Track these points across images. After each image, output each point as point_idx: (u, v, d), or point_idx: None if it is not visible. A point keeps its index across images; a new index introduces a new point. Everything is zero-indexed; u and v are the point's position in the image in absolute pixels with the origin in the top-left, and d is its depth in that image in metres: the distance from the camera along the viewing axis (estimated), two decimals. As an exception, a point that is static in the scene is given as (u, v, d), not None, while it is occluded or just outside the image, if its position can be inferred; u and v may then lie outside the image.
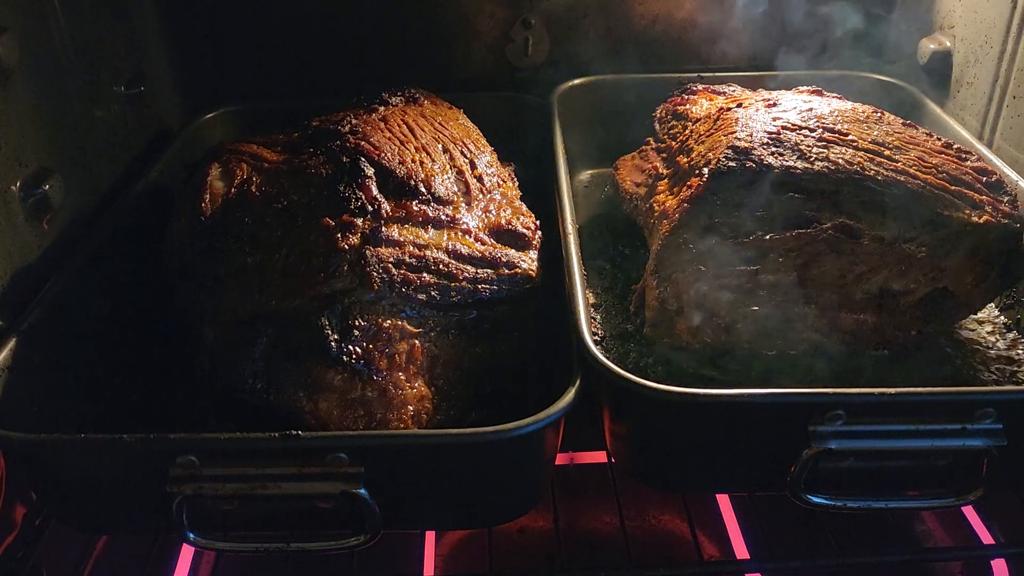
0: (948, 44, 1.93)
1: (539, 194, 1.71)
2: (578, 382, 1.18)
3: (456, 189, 1.48)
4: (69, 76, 1.60)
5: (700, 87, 1.86)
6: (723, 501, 1.55)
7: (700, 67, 2.14)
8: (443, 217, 1.42)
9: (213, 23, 2.06)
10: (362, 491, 1.12)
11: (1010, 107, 1.73)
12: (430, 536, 1.52)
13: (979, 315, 1.55)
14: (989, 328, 1.53)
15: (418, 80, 1.87)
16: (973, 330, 1.53)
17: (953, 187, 1.40)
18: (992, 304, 1.56)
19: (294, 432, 1.11)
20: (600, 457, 1.64)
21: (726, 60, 2.17)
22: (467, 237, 1.42)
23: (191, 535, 1.16)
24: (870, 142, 1.45)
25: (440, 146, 1.56)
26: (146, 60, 1.95)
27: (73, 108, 1.62)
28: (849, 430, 1.15)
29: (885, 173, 1.39)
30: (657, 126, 1.85)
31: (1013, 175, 1.59)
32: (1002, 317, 1.55)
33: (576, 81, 2.07)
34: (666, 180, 1.65)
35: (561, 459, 1.50)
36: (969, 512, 1.55)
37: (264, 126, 1.81)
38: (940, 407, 1.16)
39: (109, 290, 1.51)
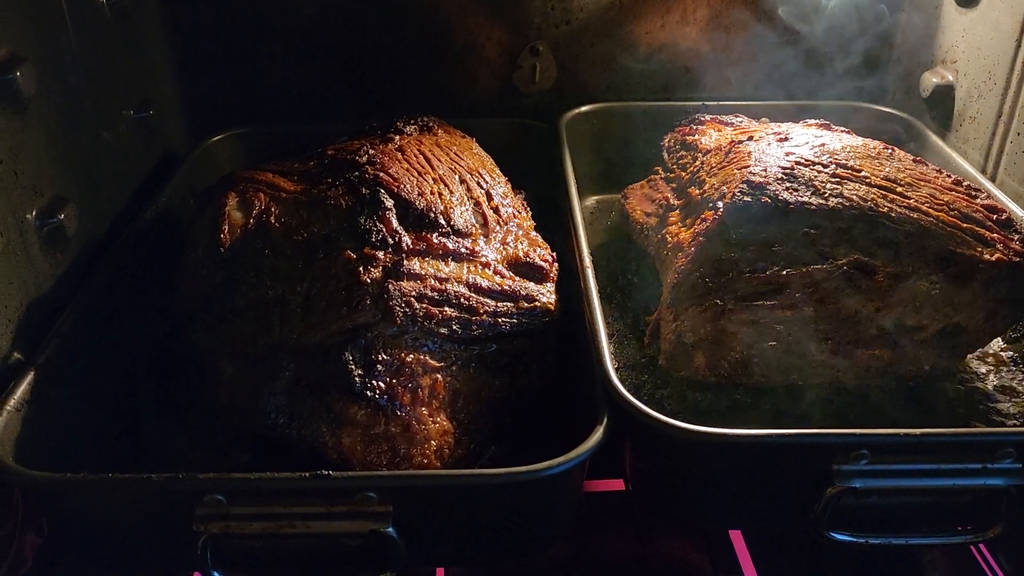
0: (951, 78, 1.96)
1: (547, 220, 1.72)
2: (605, 420, 1.19)
3: (474, 221, 1.49)
4: (81, 103, 1.59)
5: (707, 117, 1.87)
6: (736, 533, 1.57)
7: (705, 96, 2.16)
8: (462, 250, 1.42)
9: (220, 47, 2.06)
10: (390, 530, 1.12)
11: (1014, 143, 1.76)
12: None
13: (987, 348, 1.57)
14: (997, 361, 1.56)
15: (424, 105, 1.87)
16: (982, 363, 1.55)
17: (965, 224, 1.43)
18: (999, 338, 1.58)
19: (325, 472, 1.11)
20: (617, 484, 1.64)
21: (730, 89, 2.20)
22: (486, 270, 1.42)
23: (215, 573, 1.16)
24: (882, 178, 1.47)
25: (457, 177, 1.56)
26: (154, 84, 1.94)
27: (85, 135, 1.60)
28: (873, 469, 1.17)
29: (898, 210, 1.41)
30: (666, 155, 1.87)
31: (1019, 211, 1.62)
32: (1009, 350, 1.58)
33: (583, 108, 2.08)
34: (677, 211, 1.66)
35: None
36: (978, 543, 1.57)
37: (270, 149, 1.81)
38: (962, 447, 1.18)
39: (124, 320, 1.50)
